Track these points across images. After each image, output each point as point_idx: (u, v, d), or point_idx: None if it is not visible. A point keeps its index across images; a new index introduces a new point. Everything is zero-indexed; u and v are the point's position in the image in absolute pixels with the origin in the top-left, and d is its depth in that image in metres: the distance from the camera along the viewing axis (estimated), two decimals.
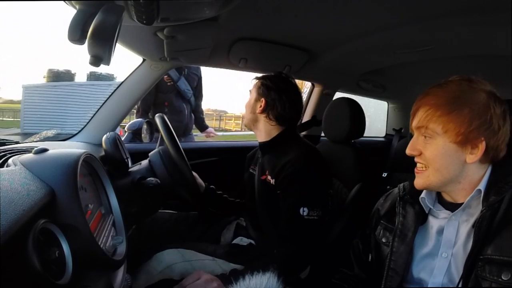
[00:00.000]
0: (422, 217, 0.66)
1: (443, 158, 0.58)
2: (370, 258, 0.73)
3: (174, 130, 2.00)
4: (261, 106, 1.02)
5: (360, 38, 1.03)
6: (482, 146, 0.56)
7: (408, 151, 0.63)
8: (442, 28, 0.90)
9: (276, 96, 1.01)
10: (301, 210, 0.87)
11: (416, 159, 0.62)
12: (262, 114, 1.03)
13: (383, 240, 0.70)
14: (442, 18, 0.84)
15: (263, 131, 1.04)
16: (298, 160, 0.92)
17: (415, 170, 0.63)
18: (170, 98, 1.94)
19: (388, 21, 0.89)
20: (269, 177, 0.97)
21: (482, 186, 0.58)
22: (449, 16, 0.83)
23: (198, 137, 2.34)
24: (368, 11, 0.84)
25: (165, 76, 1.90)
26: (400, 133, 1.94)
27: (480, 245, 0.54)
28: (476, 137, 0.56)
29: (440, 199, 0.66)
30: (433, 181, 0.60)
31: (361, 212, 0.94)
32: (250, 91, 1.07)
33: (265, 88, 1.03)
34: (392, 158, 1.78)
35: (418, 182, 0.63)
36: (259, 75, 1.09)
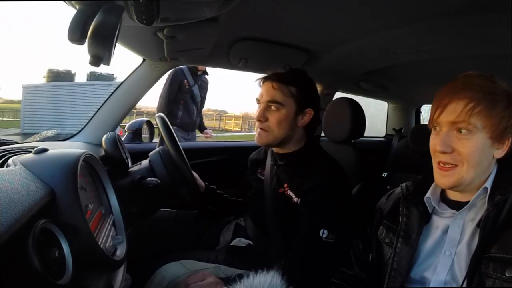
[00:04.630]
0: (426, 217, 0.65)
1: (480, 154, 0.57)
2: (370, 258, 0.73)
3: (185, 125, 2.24)
4: (303, 119, 0.91)
5: (360, 38, 1.03)
6: (508, 142, 0.58)
7: (441, 148, 0.58)
8: (442, 28, 0.90)
9: (318, 102, 0.93)
10: (321, 232, 0.83)
11: (444, 158, 0.59)
12: (304, 127, 0.92)
13: (386, 240, 0.69)
14: (442, 18, 0.84)
15: (293, 145, 0.93)
16: (330, 184, 0.86)
17: (441, 168, 0.59)
18: (185, 98, 2.43)
19: (388, 21, 0.89)
20: (290, 193, 0.90)
21: (488, 184, 0.58)
22: (449, 16, 0.83)
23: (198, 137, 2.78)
24: (368, 11, 0.84)
25: (185, 80, 2.41)
26: (400, 133, 1.94)
27: (485, 244, 0.55)
28: (508, 133, 0.58)
29: (443, 198, 0.65)
30: (466, 178, 0.57)
31: (361, 212, 0.94)
32: (278, 102, 0.89)
33: (309, 95, 0.92)
34: (392, 158, 1.78)
35: (448, 181, 0.59)
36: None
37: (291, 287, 0.62)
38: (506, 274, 0.51)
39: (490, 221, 0.55)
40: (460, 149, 0.57)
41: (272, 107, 0.90)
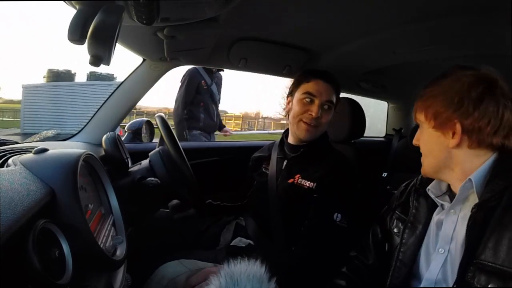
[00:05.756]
0: (434, 211, 0.65)
1: (428, 143, 0.63)
2: (386, 247, 0.72)
3: (208, 127, 2.28)
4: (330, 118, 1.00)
5: (360, 38, 1.03)
6: (458, 128, 0.56)
7: (413, 142, 0.68)
8: (442, 28, 0.90)
9: None
10: (335, 215, 0.87)
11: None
12: None
13: (395, 230, 0.69)
14: (442, 18, 0.84)
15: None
16: (344, 169, 0.93)
17: None
18: (205, 99, 2.33)
19: (388, 21, 0.89)
20: (303, 181, 0.94)
21: (474, 176, 0.56)
22: (449, 16, 0.83)
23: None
24: (368, 11, 0.84)
25: (202, 81, 2.29)
26: (400, 133, 1.94)
27: (473, 246, 0.52)
28: (449, 119, 0.57)
29: (451, 192, 0.65)
30: (426, 166, 0.64)
31: (362, 212, 0.94)
32: (332, 103, 0.98)
33: (339, 99, 1.02)
34: (392, 158, 1.78)
35: (422, 169, 0.66)
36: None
37: (274, 277, 0.61)
38: (489, 287, 0.49)
39: (477, 222, 0.52)
40: (420, 141, 0.66)
41: (326, 106, 0.97)
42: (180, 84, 2.31)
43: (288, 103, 1.03)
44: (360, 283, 0.73)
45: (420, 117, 0.63)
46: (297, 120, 0.97)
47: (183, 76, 2.29)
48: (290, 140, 1.03)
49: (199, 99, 2.30)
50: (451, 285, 0.55)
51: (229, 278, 0.59)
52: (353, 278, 0.73)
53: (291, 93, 1.02)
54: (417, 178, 0.72)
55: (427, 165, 0.64)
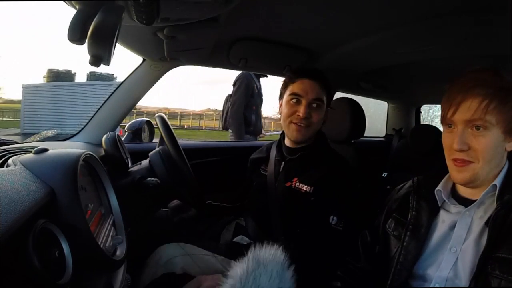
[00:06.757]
0: (436, 212, 0.65)
1: (494, 149, 0.58)
2: (377, 250, 0.73)
3: (257, 130, 2.31)
4: (325, 117, 0.98)
5: (360, 38, 1.03)
6: None
7: (458, 147, 0.58)
8: (442, 28, 0.90)
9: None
10: (331, 218, 0.86)
11: (459, 155, 0.59)
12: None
13: (395, 233, 0.69)
14: (442, 18, 0.84)
15: (309, 139, 0.98)
16: (342, 171, 0.92)
17: (457, 164, 0.59)
18: (257, 102, 2.41)
19: (388, 21, 0.89)
20: (300, 185, 0.93)
21: (498, 181, 0.58)
22: (449, 16, 0.83)
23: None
24: (368, 11, 0.84)
25: (255, 85, 2.36)
26: (400, 133, 1.94)
27: (493, 243, 0.54)
28: None
29: (454, 193, 0.65)
30: (481, 174, 0.58)
31: (361, 212, 0.94)
32: (321, 100, 0.95)
33: (331, 95, 1.01)
34: (392, 158, 1.78)
35: (464, 176, 0.59)
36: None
37: (292, 265, 0.61)
38: None
39: (499, 220, 0.55)
40: (476, 146, 0.57)
41: (314, 104, 0.94)
42: (234, 88, 2.39)
43: (280, 106, 1.02)
44: (357, 285, 0.73)
45: (492, 121, 0.56)
46: (287, 123, 0.96)
47: (237, 79, 2.36)
48: (287, 142, 1.01)
49: (252, 102, 2.37)
50: (462, 281, 0.57)
51: (256, 261, 0.59)
52: (349, 280, 0.74)
53: (281, 96, 1.01)
54: (413, 180, 0.72)
55: (484, 172, 0.58)
